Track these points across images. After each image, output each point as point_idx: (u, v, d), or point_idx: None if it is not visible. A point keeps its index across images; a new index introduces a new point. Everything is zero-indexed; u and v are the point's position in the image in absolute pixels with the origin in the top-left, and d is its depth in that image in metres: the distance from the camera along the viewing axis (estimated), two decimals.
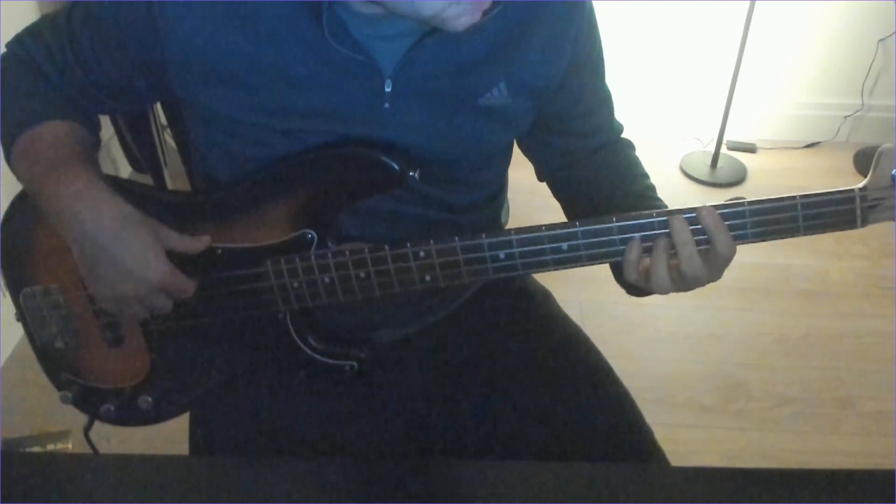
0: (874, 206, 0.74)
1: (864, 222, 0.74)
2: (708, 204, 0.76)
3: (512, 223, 0.99)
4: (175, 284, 0.84)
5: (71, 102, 0.88)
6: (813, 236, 0.76)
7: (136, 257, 0.80)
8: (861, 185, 0.73)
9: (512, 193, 1.11)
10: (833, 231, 0.75)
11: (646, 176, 0.97)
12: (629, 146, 1.01)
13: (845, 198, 0.73)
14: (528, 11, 0.82)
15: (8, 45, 0.90)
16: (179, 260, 0.85)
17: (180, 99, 0.87)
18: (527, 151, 1.01)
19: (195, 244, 0.85)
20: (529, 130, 0.95)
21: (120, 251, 0.80)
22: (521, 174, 1.06)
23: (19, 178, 0.87)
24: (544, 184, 1.04)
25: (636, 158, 1.00)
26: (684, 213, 0.76)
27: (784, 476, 0.78)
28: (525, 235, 0.78)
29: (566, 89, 0.90)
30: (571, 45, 0.87)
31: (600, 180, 0.96)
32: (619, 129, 1.01)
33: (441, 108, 0.84)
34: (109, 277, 0.81)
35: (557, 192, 1.02)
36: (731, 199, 0.76)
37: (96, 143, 0.91)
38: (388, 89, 0.81)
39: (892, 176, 0.72)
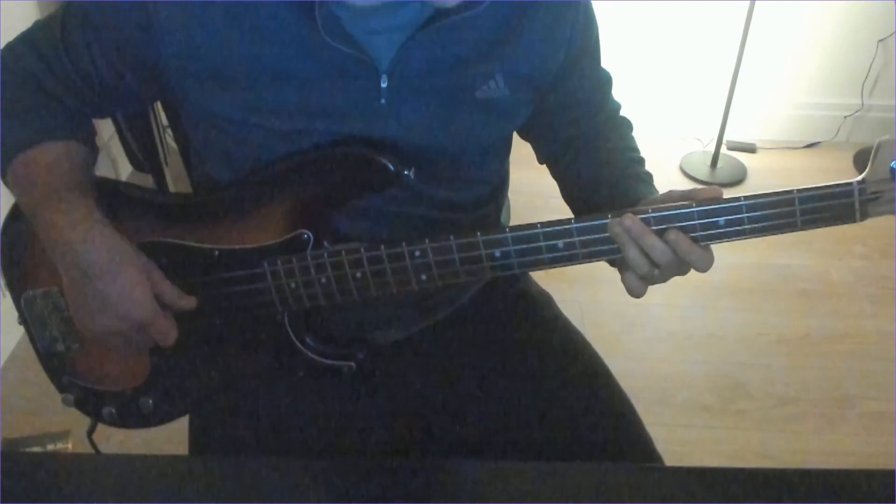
0: (873, 200, 0.73)
1: (864, 216, 0.73)
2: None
3: (513, 224, 0.99)
4: (158, 325, 0.84)
5: (67, 113, 0.88)
6: (813, 237, 0.76)
7: (123, 293, 0.81)
8: (859, 178, 0.72)
9: (513, 193, 1.11)
10: (832, 225, 0.74)
11: (632, 149, 0.97)
12: (624, 124, 1.01)
13: (843, 191, 0.72)
14: (522, 5, 0.82)
15: (1, 54, 0.89)
16: (179, 262, 0.86)
17: (177, 99, 0.86)
18: (525, 136, 1.01)
19: (182, 300, 0.86)
20: (529, 120, 0.95)
21: (108, 285, 0.80)
22: (522, 174, 1.06)
23: (17, 201, 0.87)
24: (545, 184, 1.04)
25: (624, 131, 1.00)
26: (675, 211, 0.75)
27: (784, 476, 0.78)
28: (520, 233, 0.78)
29: (564, 79, 0.90)
30: (568, 37, 0.87)
31: (587, 156, 0.96)
32: (615, 108, 1.01)
33: (438, 103, 0.84)
34: (94, 310, 0.82)
35: (554, 173, 1.02)
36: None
37: (93, 157, 0.91)
38: (384, 85, 0.81)
39: (892, 168, 0.71)
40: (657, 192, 0.87)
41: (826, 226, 0.74)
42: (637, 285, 0.78)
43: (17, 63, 0.87)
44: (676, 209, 0.75)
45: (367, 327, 0.99)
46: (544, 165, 1.03)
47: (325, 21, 0.76)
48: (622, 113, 1.02)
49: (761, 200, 0.74)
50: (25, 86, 0.87)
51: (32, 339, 0.95)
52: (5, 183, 0.87)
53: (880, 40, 2.71)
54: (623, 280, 0.79)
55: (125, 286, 0.81)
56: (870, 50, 2.73)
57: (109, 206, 0.85)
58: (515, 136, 1.00)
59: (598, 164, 0.95)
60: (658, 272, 0.77)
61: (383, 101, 0.82)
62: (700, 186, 0.77)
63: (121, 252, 0.81)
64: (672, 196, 0.77)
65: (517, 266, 0.79)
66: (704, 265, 0.76)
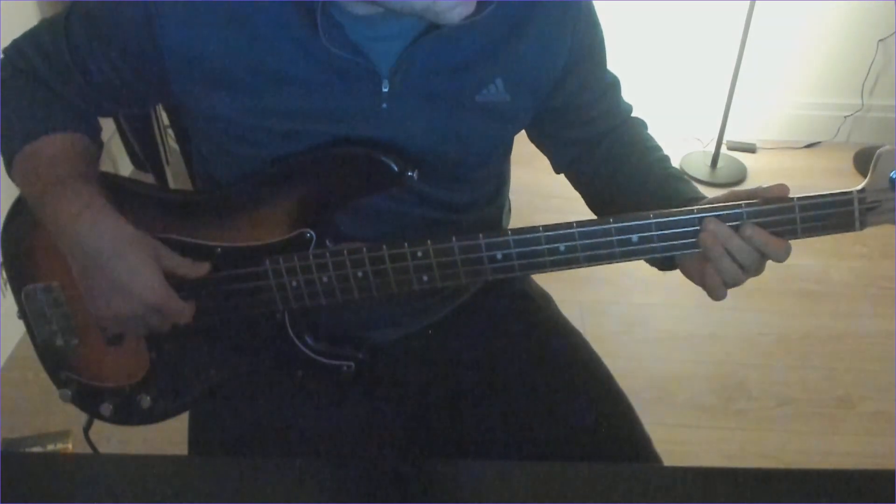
0: (873, 209, 0.73)
1: (863, 225, 0.74)
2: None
3: (513, 223, 0.99)
4: (170, 306, 0.84)
5: (70, 108, 0.88)
6: (813, 237, 0.76)
7: (132, 277, 0.81)
8: (859, 187, 0.73)
9: (513, 193, 1.11)
10: (831, 233, 0.74)
11: (658, 148, 0.96)
12: (639, 124, 1.00)
13: (843, 200, 0.73)
14: (523, 9, 0.82)
15: (5, 52, 0.90)
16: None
17: (179, 100, 0.87)
18: (538, 146, 1.00)
19: (194, 269, 0.86)
20: (537, 125, 0.95)
21: (117, 271, 0.80)
22: (523, 174, 1.05)
23: (22, 192, 0.87)
24: (544, 184, 1.04)
25: (646, 134, 0.98)
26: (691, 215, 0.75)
27: (784, 476, 0.78)
28: (522, 236, 0.78)
29: (566, 83, 0.90)
30: (569, 42, 0.87)
31: (614, 163, 0.95)
32: (627, 110, 1.00)
33: (439, 107, 0.84)
34: (106, 296, 0.82)
35: (576, 184, 1.01)
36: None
37: (97, 150, 0.91)
38: (385, 90, 0.81)
39: (891, 178, 0.71)
40: (697, 189, 0.87)
41: (826, 234, 0.74)
42: (722, 292, 0.77)
43: (22, 60, 0.88)
44: (679, 214, 0.75)
45: (367, 327, 0.99)
46: (545, 166, 1.03)
47: (327, 27, 0.76)
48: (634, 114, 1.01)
49: (762, 208, 0.74)
50: (29, 82, 0.88)
51: (31, 334, 0.96)
52: (11, 177, 0.87)
53: (880, 40, 2.71)
54: (707, 288, 0.78)
55: (134, 270, 0.81)
56: (870, 50, 2.73)
57: (112, 202, 0.85)
58: (517, 135, 1.00)
59: (629, 167, 0.93)
60: (743, 274, 0.76)
61: (384, 105, 0.82)
62: (748, 188, 0.76)
63: (127, 236, 0.81)
64: (738, 195, 0.76)
65: (518, 268, 0.79)
66: (783, 255, 0.75)
